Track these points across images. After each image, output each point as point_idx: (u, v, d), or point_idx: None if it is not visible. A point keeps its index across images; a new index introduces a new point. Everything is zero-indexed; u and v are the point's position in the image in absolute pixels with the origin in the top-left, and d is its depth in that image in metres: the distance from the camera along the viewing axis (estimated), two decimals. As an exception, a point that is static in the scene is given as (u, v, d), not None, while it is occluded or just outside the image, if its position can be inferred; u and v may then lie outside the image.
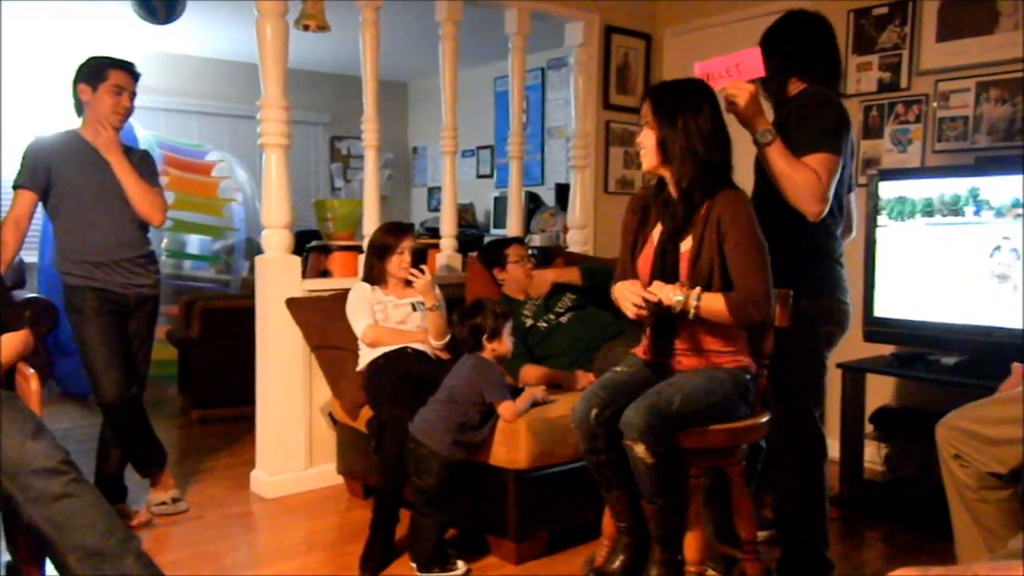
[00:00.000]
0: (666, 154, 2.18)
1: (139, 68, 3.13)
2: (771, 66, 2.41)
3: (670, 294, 2.11)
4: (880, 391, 3.69)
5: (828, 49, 2.53)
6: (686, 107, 2.17)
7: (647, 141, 2.21)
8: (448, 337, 3.16)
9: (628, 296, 2.16)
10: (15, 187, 3.00)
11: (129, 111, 3.09)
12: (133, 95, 3.10)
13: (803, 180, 2.26)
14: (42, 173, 2.98)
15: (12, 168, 3.05)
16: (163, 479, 3.28)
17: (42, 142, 3.04)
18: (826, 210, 2.31)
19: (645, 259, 2.27)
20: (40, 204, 3.04)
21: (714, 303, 2.11)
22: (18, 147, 3.14)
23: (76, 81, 3.05)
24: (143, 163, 3.15)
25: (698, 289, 2.11)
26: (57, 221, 3.06)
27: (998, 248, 2.99)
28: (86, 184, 3.01)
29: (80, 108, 3.08)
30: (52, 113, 5.97)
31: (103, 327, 3.01)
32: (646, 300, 2.12)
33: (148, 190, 3.08)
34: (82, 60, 3.07)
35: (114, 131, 3.03)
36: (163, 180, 3.63)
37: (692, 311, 2.10)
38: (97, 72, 3.02)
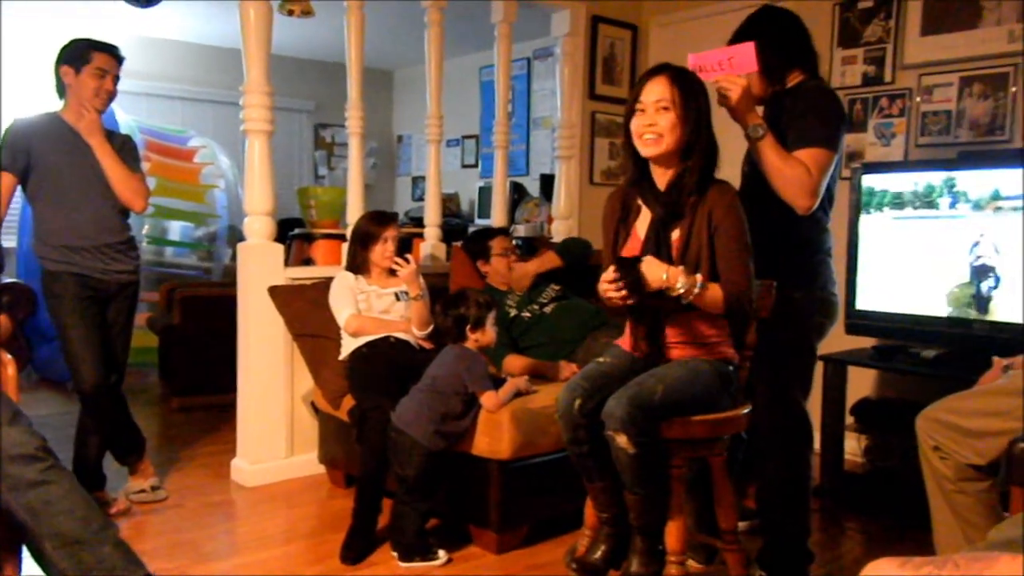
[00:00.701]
0: (688, 147, 2.15)
1: (122, 52, 3.09)
2: (773, 58, 2.40)
3: (676, 278, 2.05)
4: (861, 383, 3.71)
5: (810, 42, 2.54)
6: (706, 101, 2.18)
7: (670, 130, 2.12)
8: (431, 327, 3.15)
9: (603, 282, 2.08)
10: None
11: (112, 94, 3.05)
12: (116, 78, 3.06)
13: (794, 175, 2.26)
14: (22, 156, 2.94)
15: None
16: (142, 467, 3.26)
17: (22, 124, 3.00)
18: (816, 204, 2.31)
19: (630, 251, 2.26)
20: (20, 187, 3.00)
21: (715, 292, 2.11)
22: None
23: (58, 63, 3.00)
24: (125, 148, 3.11)
25: (700, 276, 2.09)
26: (36, 205, 3.02)
27: (977, 243, 3.01)
28: (66, 168, 2.97)
29: (62, 90, 3.03)
30: (29, 96, 5.90)
31: (82, 313, 2.97)
32: (620, 274, 2.03)
33: (130, 175, 3.04)
34: (65, 42, 3.02)
35: (97, 114, 2.99)
36: (144, 166, 3.59)
37: (692, 298, 2.07)
38: (80, 54, 2.97)
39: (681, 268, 2.08)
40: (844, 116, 2.42)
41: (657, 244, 2.19)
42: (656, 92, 2.14)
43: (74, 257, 2.98)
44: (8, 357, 2.25)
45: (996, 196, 2.97)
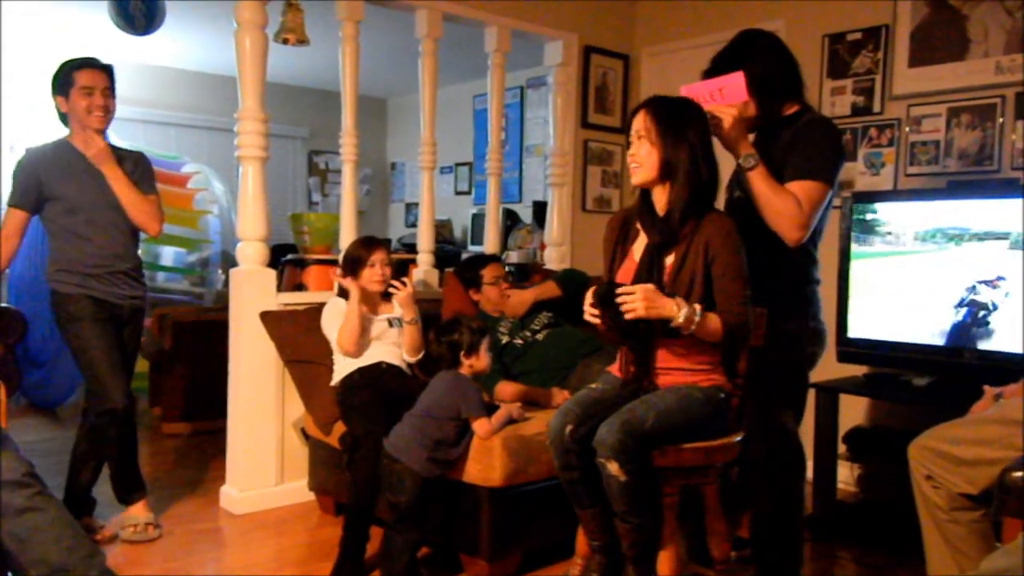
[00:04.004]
0: (668, 172, 2.19)
1: (103, 61, 2.99)
2: (774, 87, 2.42)
3: (673, 307, 2.07)
4: (853, 411, 3.71)
5: (799, 69, 2.55)
6: (688, 126, 2.20)
7: (646, 157, 2.19)
8: (423, 353, 3.14)
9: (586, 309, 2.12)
10: (8, 205, 2.96)
11: (107, 109, 2.96)
12: (109, 91, 2.97)
13: (784, 207, 2.27)
14: (33, 190, 2.92)
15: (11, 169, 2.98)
16: (140, 505, 3.15)
17: (32, 155, 2.98)
18: (806, 237, 2.32)
19: (626, 273, 2.27)
20: (38, 216, 2.98)
21: (714, 322, 2.14)
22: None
23: (53, 94, 2.98)
24: (138, 168, 3.07)
25: (698, 306, 2.10)
26: (52, 231, 2.98)
27: (974, 274, 3.02)
28: (79, 195, 2.93)
29: (64, 119, 3.00)
30: (20, 123, 5.91)
31: (103, 332, 2.93)
32: (601, 307, 2.07)
33: (142, 200, 2.99)
34: (53, 71, 2.99)
35: (103, 141, 2.94)
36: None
37: (692, 328, 2.08)
38: (65, 79, 2.95)
39: (680, 299, 2.10)
40: (843, 151, 2.45)
41: (650, 269, 2.21)
42: (637, 123, 2.23)
43: (91, 282, 2.94)
44: (-3, 382, 2.24)
45: (986, 225, 2.99)
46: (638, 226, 2.31)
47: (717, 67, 2.47)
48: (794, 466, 2.50)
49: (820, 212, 2.35)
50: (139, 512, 3.13)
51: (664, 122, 2.19)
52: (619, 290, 2.06)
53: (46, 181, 2.93)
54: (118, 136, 5.56)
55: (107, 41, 5.46)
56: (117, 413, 2.93)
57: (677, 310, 2.07)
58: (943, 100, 3.64)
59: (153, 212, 3.03)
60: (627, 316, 2.03)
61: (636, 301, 2.03)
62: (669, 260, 2.21)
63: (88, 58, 2.99)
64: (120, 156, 3.03)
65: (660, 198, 2.25)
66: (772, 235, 2.33)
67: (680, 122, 2.20)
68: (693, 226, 2.20)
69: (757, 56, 2.45)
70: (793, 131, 2.40)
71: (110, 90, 2.99)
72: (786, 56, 2.50)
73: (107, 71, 2.99)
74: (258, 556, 3.00)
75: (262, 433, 3.47)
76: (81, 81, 2.92)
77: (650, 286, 2.07)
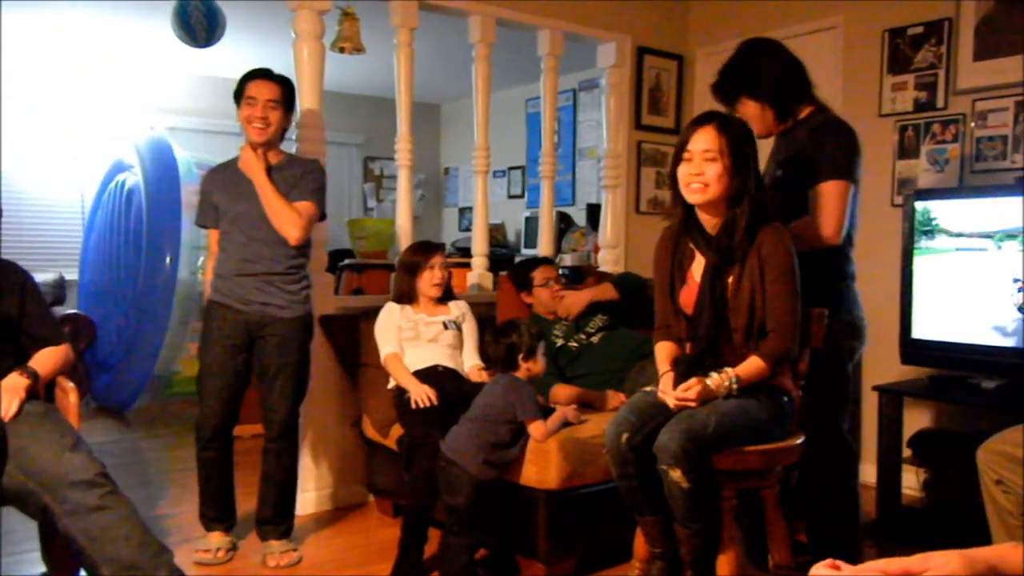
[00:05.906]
0: (736, 197, 2.16)
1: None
2: (786, 97, 2.50)
3: (713, 385, 2.14)
4: (918, 415, 3.62)
5: (806, 71, 2.58)
6: (753, 148, 2.20)
7: (716, 179, 2.12)
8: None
9: (668, 400, 2.18)
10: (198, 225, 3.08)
11: (267, 121, 2.85)
12: (275, 104, 2.86)
13: (803, 232, 2.37)
14: (209, 206, 2.97)
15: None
16: (217, 534, 3.05)
17: (208, 173, 3.06)
18: (842, 230, 2.39)
19: (688, 295, 2.26)
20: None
21: (752, 369, 2.15)
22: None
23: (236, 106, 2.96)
24: (305, 176, 2.94)
25: (730, 371, 2.14)
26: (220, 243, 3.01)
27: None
28: (231, 204, 2.91)
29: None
30: (91, 131, 6.10)
31: (223, 359, 2.92)
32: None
33: (284, 206, 2.82)
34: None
35: (250, 152, 2.86)
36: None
37: (735, 389, 2.14)
38: (238, 90, 2.90)
39: (712, 375, 2.15)
40: (859, 148, 2.50)
41: (712, 289, 2.19)
42: (703, 142, 2.15)
43: (218, 283, 2.92)
44: (70, 385, 2.32)
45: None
46: (692, 247, 2.29)
47: (723, 79, 2.55)
48: (843, 462, 2.48)
49: (848, 207, 2.39)
50: (215, 539, 3.03)
51: (739, 146, 2.15)
52: (678, 399, 2.14)
53: (217, 196, 2.95)
54: (181, 146, 5.72)
55: (171, 53, 5.60)
56: (201, 431, 3.03)
57: (715, 387, 2.14)
58: (1010, 94, 3.53)
59: (293, 219, 2.82)
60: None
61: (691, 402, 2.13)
62: (730, 279, 2.20)
63: (260, 69, 2.92)
64: (289, 162, 2.97)
65: (709, 218, 2.22)
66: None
67: (749, 146, 2.20)
68: (748, 240, 2.17)
69: (761, 64, 2.51)
70: (817, 133, 2.45)
71: (277, 102, 2.87)
72: (790, 59, 2.54)
73: (278, 82, 2.90)
74: (318, 557, 3.05)
75: (321, 435, 3.53)
76: (248, 92, 2.87)
77: (694, 393, 2.13)
